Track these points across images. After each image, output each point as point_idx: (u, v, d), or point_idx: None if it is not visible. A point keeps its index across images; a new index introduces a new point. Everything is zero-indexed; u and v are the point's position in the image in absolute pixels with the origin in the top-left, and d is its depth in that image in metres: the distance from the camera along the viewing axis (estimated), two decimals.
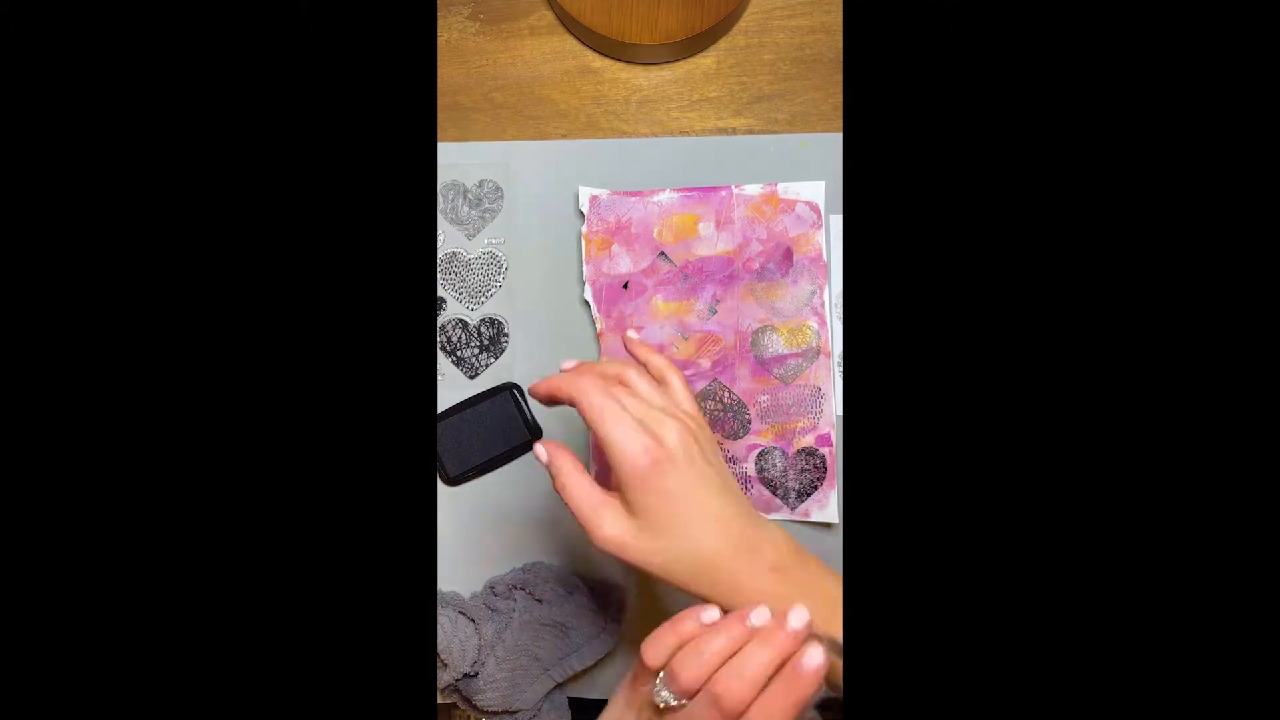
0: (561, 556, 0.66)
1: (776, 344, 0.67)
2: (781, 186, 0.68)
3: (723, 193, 0.68)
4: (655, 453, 0.41)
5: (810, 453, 0.66)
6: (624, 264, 0.68)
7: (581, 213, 0.68)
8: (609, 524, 0.43)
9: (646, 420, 0.43)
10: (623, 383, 0.46)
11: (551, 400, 0.45)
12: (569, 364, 0.48)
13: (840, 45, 0.71)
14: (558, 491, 0.44)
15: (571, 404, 0.44)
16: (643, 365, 0.50)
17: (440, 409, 0.67)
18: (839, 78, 0.70)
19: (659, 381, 0.48)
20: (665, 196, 0.68)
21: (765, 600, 0.40)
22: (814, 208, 0.68)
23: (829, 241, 0.68)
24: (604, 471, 0.53)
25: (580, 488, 0.44)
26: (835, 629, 0.41)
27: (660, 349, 0.67)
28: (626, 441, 0.42)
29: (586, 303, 0.67)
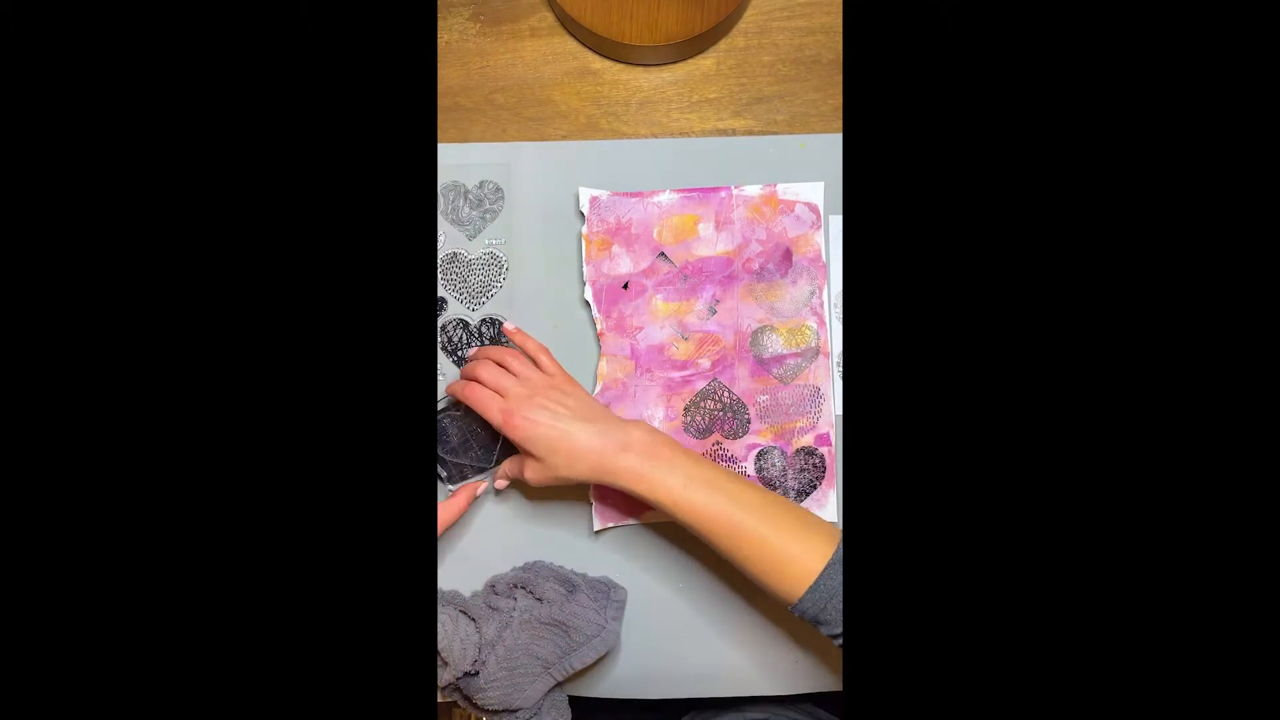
0: (562, 556, 0.66)
1: (776, 344, 0.67)
2: (781, 187, 0.68)
3: (722, 193, 0.68)
4: (503, 404, 0.58)
5: (809, 452, 0.66)
6: (624, 264, 0.68)
7: (582, 213, 0.68)
8: (526, 470, 0.59)
9: (499, 386, 0.59)
10: (505, 368, 0.61)
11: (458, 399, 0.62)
12: (472, 351, 0.65)
13: (840, 46, 0.71)
14: (508, 476, 0.63)
15: (460, 400, 0.61)
16: (520, 349, 0.64)
17: (440, 409, 0.67)
18: (838, 78, 0.70)
19: (534, 362, 0.63)
20: (665, 197, 0.68)
21: (622, 466, 0.56)
22: (813, 208, 0.68)
23: (828, 242, 0.68)
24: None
25: (511, 464, 0.62)
26: (679, 489, 0.55)
27: (660, 348, 0.67)
28: (487, 408, 0.58)
29: (587, 303, 0.67)
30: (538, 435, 0.57)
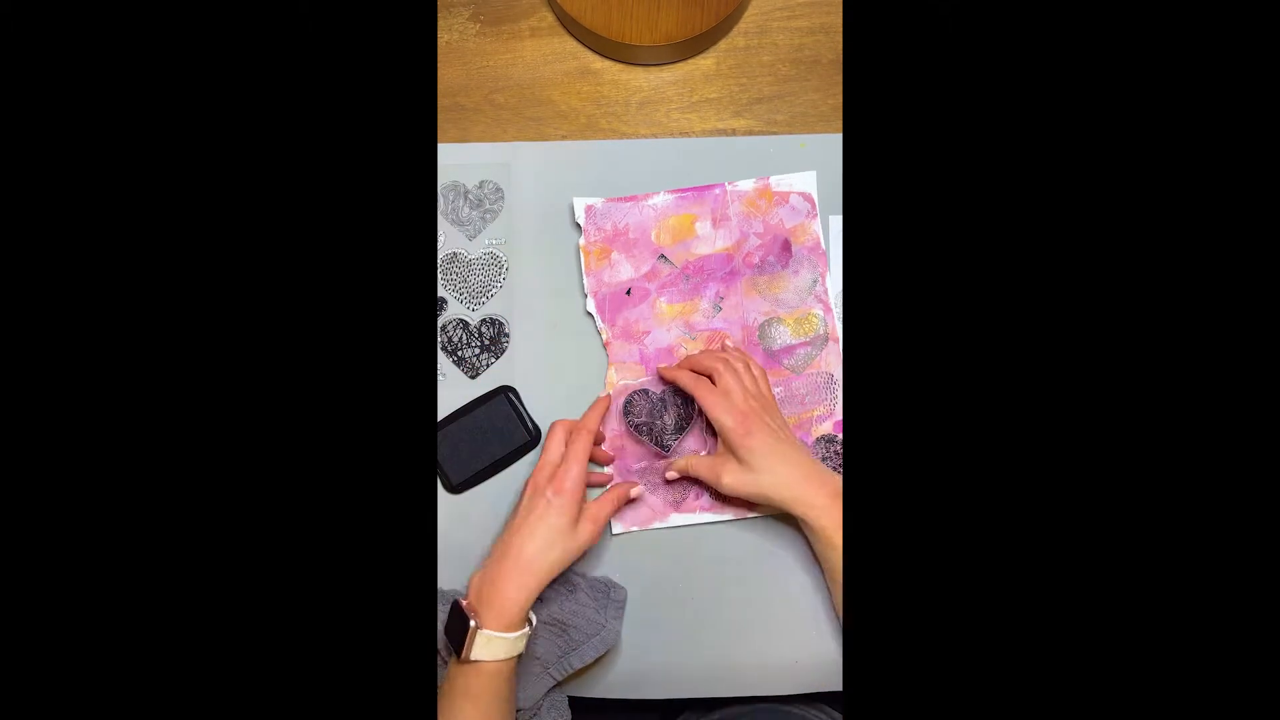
0: None
1: (784, 335, 0.67)
2: (774, 179, 0.68)
3: (716, 190, 0.68)
4: (742, 425, 0.60)
5: (830, 440, 0.66)
6: (625, 270, 0.68)
7: (578, 225, 0.68)
8: (726, 474, 0.60)
9: (735, 402, 0.61)
10: (712, 377, 0.62)
11: (670, 383, 0.65)
12: (666, 367, 0.66)
13: (839, 46, 0.71)
14: (688, 471, 0.64)
15: (689, 392, 0.62)
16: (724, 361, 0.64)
17: (439, 413, 0.67)
18: (838, 79, 0.70)
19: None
20: (660, 199, 0.68)
21: (827, 512, 0.59)
22: (807, 198, 0.68)
23: (827, 230, 0.68)
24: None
25: (702, 463, 0.63)
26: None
27: (668, 350, 0.67)
28: (726, 419, 0.60)
29: (590, 315, 0.67)
30: (766, 446, 0.59)
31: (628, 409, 0.66)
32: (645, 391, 0.66)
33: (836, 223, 0.68)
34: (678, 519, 0.66)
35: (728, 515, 0.66)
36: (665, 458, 0.66)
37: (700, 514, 0.66)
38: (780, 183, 0.68)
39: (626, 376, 0.67)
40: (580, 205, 0.68)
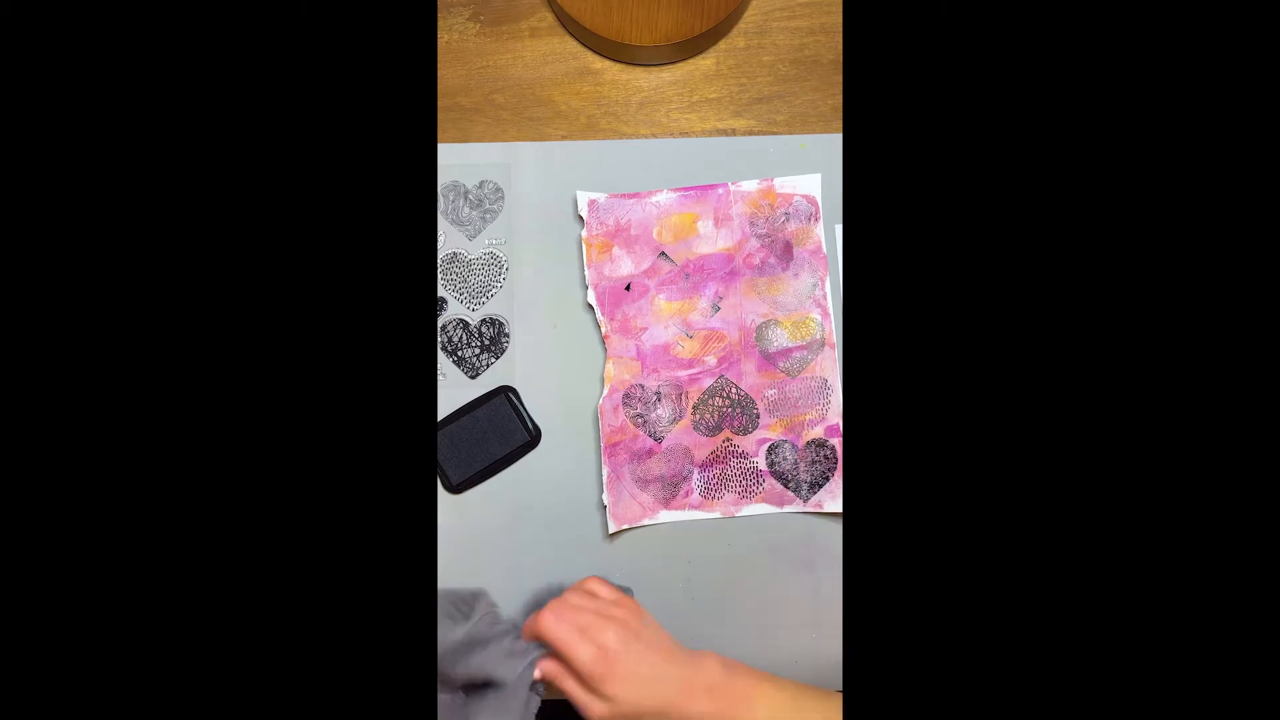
0: (566, 556, 0.66)
1: (781, 338, 0.67)
2: (778, 181, 0.68)
3: (719, 190, 0.68)
4: (600, 656, 0.53)
5: (820, 444, 0.66)
6: (625, 266, 0.68)
7: (581, 217, 0.68)
8: (593, 708, 0.53)
9: (589, 630, 0.54)
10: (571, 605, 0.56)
11: (535, 638, 0.57)
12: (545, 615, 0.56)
13: (839, 46, 0.71)
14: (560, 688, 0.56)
15: (548, 643, 0.55)
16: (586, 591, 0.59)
17: (439, 413, 0.67)
18: (838, 79, 0.70)
19: (591, 595, 0.58)
20: (663, 197, 0.68)
21: (696, 711, 0.53)
22: (811, 200, 0.68)
23: (828, 234, 0.68)
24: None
25: (574, 690, 0.54)
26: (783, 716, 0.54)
27: (666, 348, 0.67)
28: (581, 657, 0.53)
29: (590, 306, 0.68)
30: (628, 690, 0.53)
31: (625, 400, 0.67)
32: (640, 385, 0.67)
33: (837, 231, 0.69)
34: (667, 515, 0.66)
35: (715, 514, 0.66)
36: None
37: (689, 511, 0.66)
38: (784, 184, 0.68)
39: (624, 372, 0.67)
40: (583, 199, 0.68)
